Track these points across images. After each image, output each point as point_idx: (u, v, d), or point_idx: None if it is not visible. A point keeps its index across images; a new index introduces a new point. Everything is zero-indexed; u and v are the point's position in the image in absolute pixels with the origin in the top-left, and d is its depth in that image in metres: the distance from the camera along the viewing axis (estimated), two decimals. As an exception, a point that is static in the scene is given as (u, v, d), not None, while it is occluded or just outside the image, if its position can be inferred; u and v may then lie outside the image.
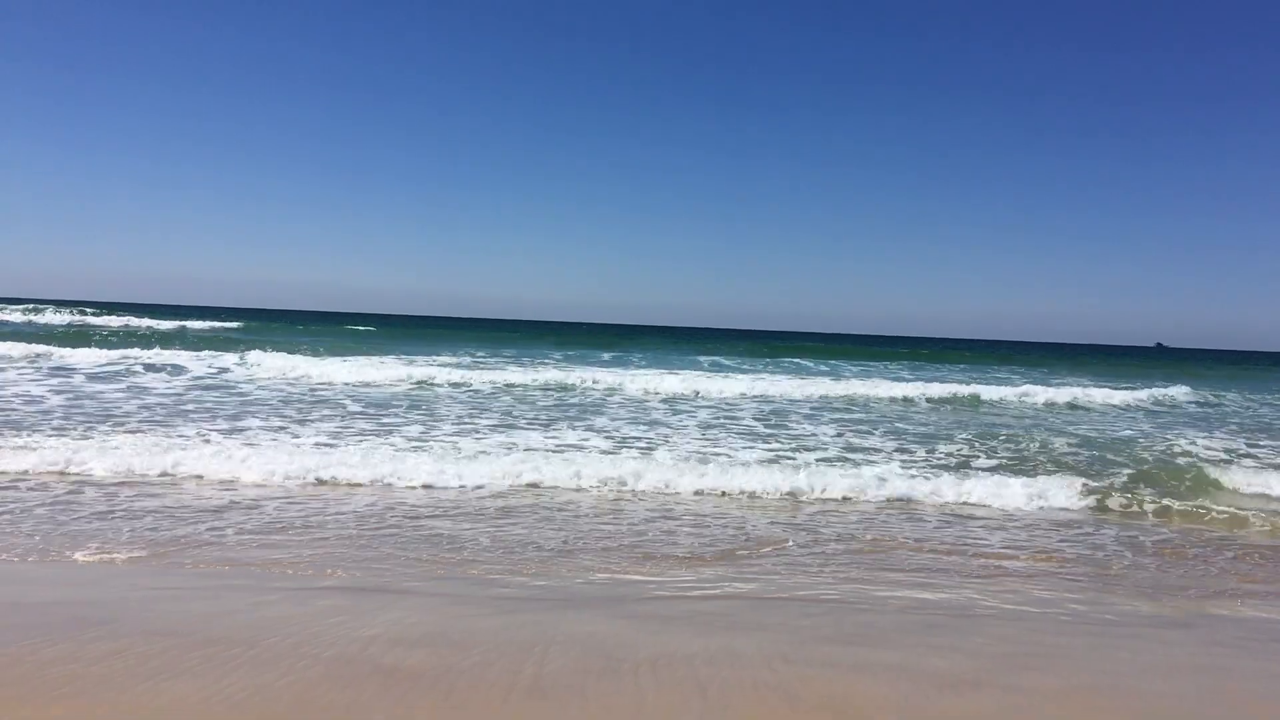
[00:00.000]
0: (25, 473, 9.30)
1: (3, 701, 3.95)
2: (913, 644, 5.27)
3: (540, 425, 14.80)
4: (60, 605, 5.36)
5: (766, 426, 15.86)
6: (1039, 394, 23.81)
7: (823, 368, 36.56)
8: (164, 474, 9.56)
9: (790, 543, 7.88)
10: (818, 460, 12.06)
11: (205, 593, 5.75)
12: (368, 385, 20.15)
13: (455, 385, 20.79)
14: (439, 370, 22.63)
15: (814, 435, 15.00)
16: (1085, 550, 8.10)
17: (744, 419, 16.81)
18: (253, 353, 24.14)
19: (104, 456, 9.76)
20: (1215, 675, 5.02)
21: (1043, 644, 5.39)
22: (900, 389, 23.10)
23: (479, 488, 9.70)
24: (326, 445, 11.62)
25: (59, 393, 15.84)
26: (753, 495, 9.87)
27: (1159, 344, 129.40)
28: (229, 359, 23.52)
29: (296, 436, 12.38)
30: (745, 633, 5.34)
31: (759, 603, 6.08)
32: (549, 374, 22.85)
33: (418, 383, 20.84)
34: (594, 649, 4.90)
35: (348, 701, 4.07)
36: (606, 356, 36.48)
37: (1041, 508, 9.86)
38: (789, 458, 12.28)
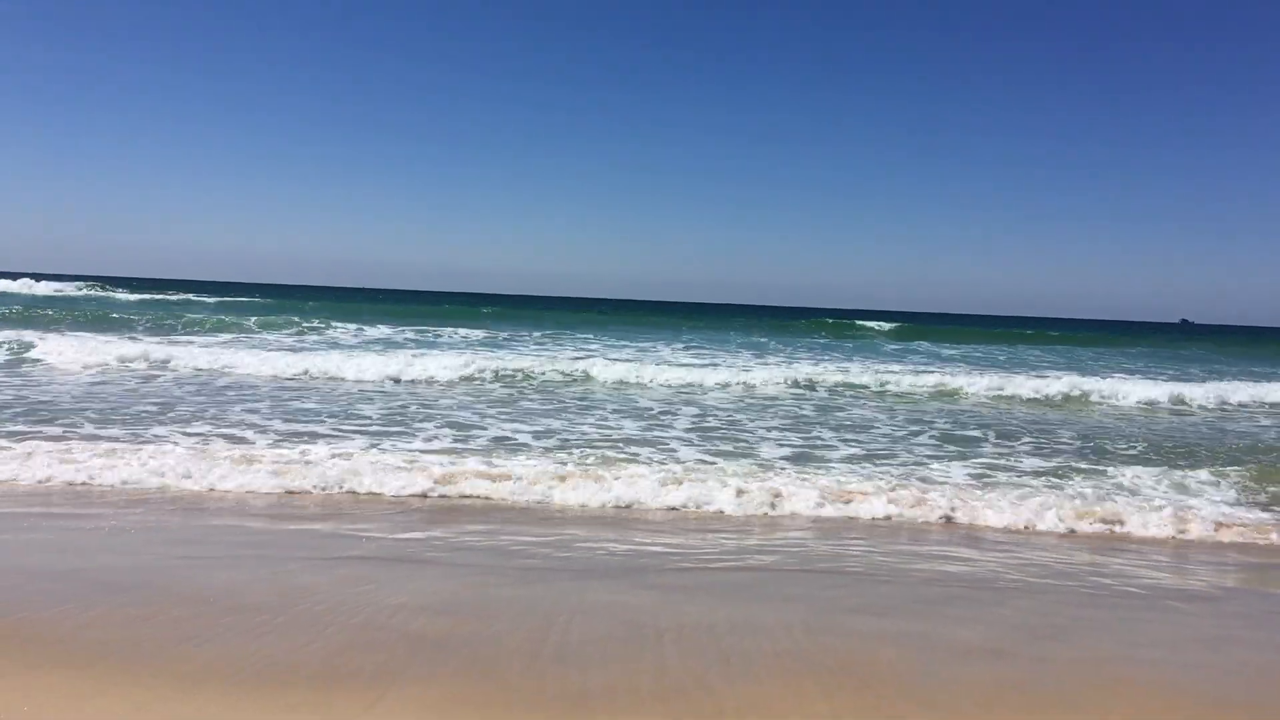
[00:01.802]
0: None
1: (45, 663, 4.02)
2: (935, 614, 5.27)
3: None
4: (90, 571, 5.44)
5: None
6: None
7: (951, 351, 32.84)
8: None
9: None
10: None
11: (232, 561, 5.81)
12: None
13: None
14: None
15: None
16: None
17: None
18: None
19: None
20: (1240, 648, 5.01)
21: (1066, 616, 5.38)
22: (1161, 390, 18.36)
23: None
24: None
25: None
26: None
27: (1184, 320, 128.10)
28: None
29: None
30: (768, 603, 5.36)
31: (781, 574, 6.10)
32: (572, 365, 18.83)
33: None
34: (617, 618, 4.94)
35: (375, 666, 4.12)
36: (669, 349, 27.78)
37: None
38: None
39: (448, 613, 4.91)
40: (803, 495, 8.06)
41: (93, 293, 52.02)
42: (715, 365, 21.14)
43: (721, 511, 7.82)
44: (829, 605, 5.40)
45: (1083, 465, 10.42)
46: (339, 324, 30.50)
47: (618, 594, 5.43)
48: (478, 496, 8.00)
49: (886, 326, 47.56)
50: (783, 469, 9.48)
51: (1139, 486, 9.19)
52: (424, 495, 7.94)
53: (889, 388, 18.18)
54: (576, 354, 22.81)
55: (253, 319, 30.68)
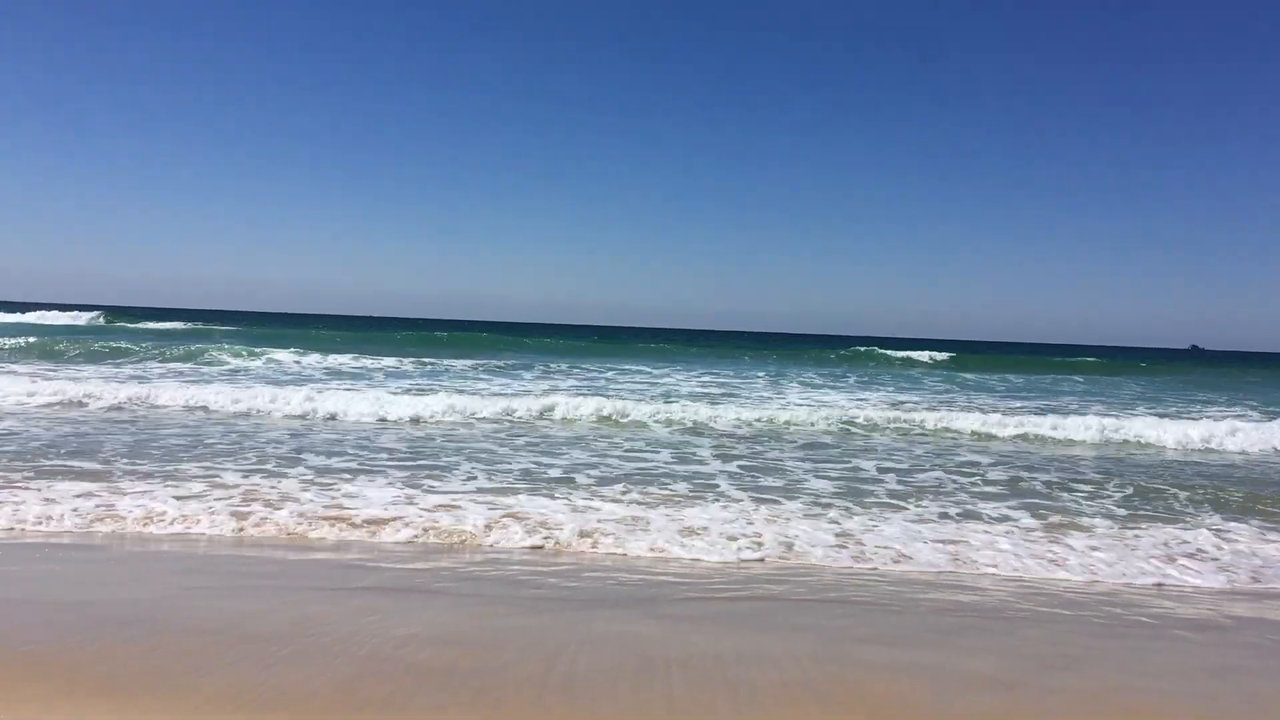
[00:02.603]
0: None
1: (47, 697, 4.03)
2: (946, 645, 5.25)
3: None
4: (97, 604, 5.45)
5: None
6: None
7: (997, 384, 31.33)
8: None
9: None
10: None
11: (240, 591, 5.82)
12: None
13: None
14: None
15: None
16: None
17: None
18: None
19: None
20: (1250, 678, 4.97)
21: (1078, 646, 5.35)
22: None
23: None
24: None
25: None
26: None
27: (1194, 346, 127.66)
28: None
29: None
30: (776, 633, 5.35)
31: (789, 604, 6.08)
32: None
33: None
34: (625, 649, 4.93)
35: (383, 698, 4.12)
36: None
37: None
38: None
39: (456, 643, 4.91)
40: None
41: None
42: (787, 404, 19.80)
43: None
44: (838, 635, 5.38)
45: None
46: (338, 354, 29.40)
47: (626, 624, 5.42)
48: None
49: (901, 355, 46.34)
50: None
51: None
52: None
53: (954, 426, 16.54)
54: (582, 386, 22.78)
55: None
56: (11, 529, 7.26)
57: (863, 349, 50.29)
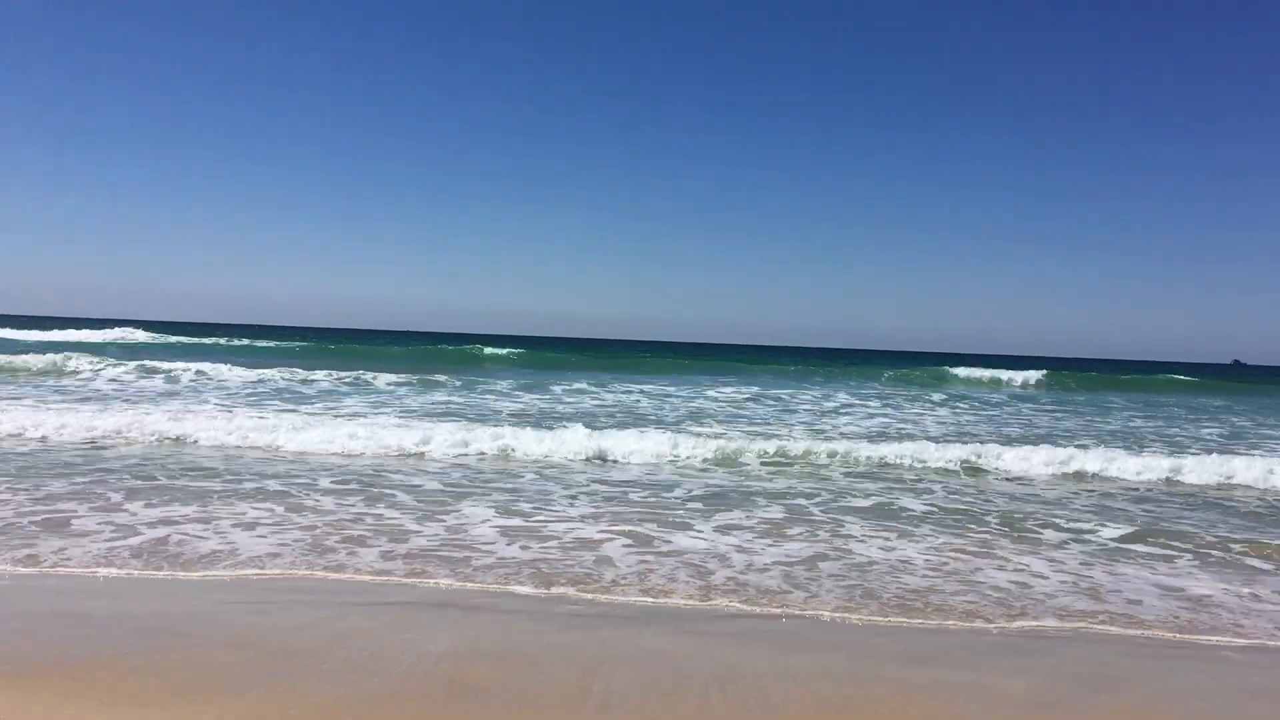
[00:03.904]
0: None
1: (89, 708, 4.10)
2: (984, 665, 5.21)
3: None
4: (138, 617, 5.53)
5: None
6: None
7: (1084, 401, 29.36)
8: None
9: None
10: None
11: (278, 606, 5.88)
12: None
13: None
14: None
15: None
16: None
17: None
18: None
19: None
20: (1298, 701, 4.90)
21: (1118, 665, 5.30)
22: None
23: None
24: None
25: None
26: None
27: (1236, 361, 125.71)
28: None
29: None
30: (813, 652, 5.33)
31: (825, 621, 6.06)
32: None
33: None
34: (661, 667, 4.94)
35: (419, 714, 4.15)
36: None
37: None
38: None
39: (494, 659, 4.93)
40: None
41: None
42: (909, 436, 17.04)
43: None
44: (874, 653, 5.36)
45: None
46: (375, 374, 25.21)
47: (661, 641, 5.43)
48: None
49: (986, 375, 40.73)
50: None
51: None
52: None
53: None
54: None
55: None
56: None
57: (932, 367, 43.88)
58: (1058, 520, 9.77)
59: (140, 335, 50.90)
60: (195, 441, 12.99)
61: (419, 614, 5.78)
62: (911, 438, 16.57)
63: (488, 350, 45.34)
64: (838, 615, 6.17)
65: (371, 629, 5.38)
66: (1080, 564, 7.86)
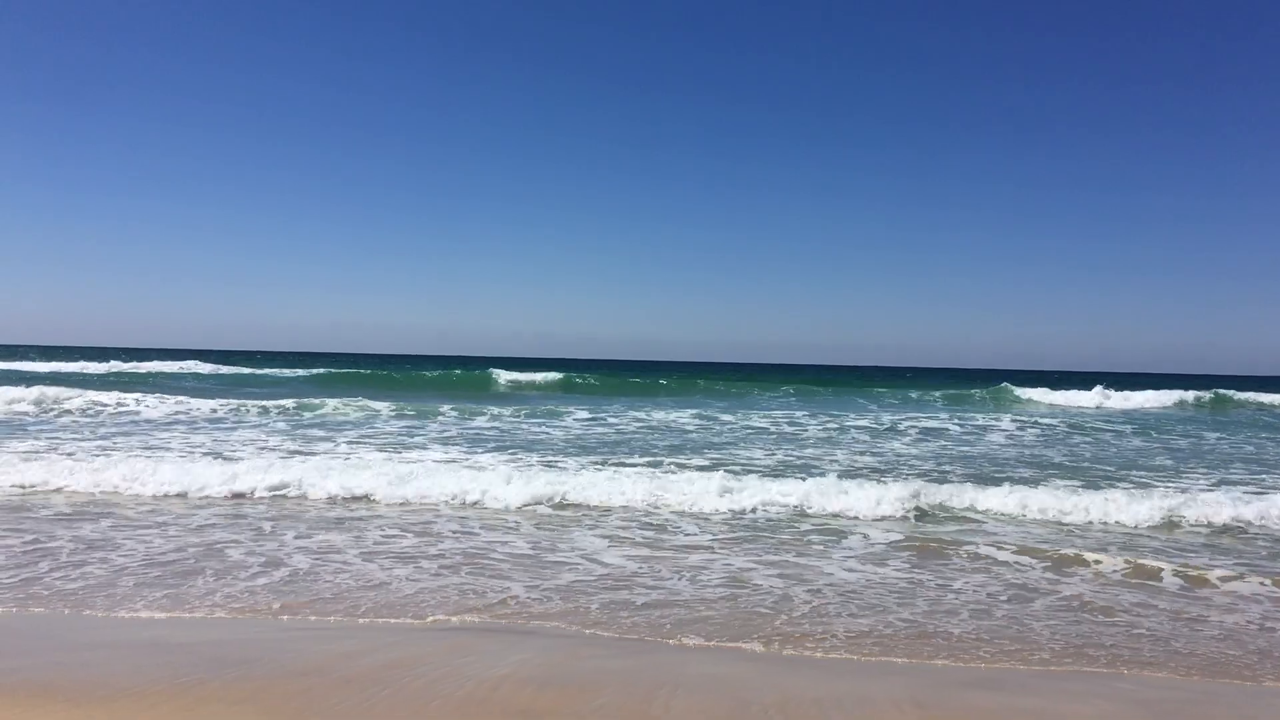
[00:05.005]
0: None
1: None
2: (1052, 690, 5.08)
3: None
4: (199, 646, 5.58)
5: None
6: None
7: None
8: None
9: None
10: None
11: (338, 633, 5.92)
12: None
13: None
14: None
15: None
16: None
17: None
18: None
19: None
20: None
21: (1190, 690, 5.14)
22: None
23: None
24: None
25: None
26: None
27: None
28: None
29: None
30: (875, 676, 5.24)
31: (884, 643, 5.96)
32: None
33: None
34: (720, 691, 4.87)
35: (480, 741, 4.13)
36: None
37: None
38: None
39: (551, 684, 4.90)
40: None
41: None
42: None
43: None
44: (939, 678, 5.25)
45: None
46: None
47: (719, 665, 5.37)
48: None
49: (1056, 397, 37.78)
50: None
51: None
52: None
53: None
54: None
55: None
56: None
57: (994, 385, 41.64)
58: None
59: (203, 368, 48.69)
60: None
61: (474, 639, 5.79)
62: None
63: (504, 376, 42.26)
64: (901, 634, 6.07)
65: (428, 655, 5.39)
66: None
